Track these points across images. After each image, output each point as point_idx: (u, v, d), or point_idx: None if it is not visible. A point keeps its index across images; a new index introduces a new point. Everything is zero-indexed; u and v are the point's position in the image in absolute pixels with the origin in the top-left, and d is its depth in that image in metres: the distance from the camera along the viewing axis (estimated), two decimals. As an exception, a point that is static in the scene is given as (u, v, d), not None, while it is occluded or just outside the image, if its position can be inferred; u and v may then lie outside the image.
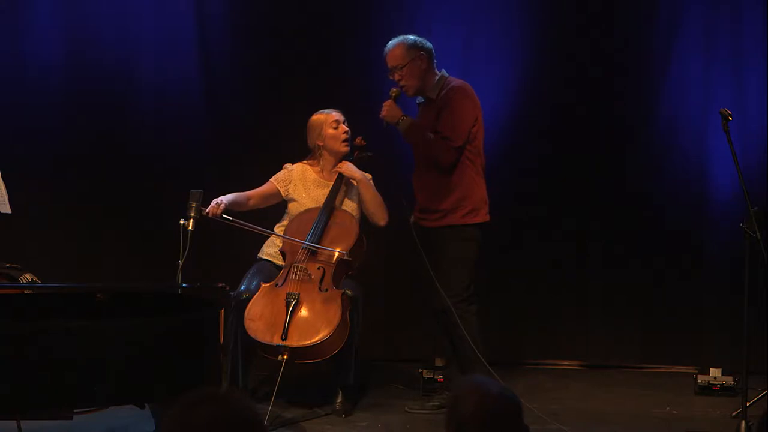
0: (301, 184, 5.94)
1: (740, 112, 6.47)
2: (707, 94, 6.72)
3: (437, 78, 5.71)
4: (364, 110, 6.18)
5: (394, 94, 5.71)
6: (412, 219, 5.80)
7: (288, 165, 6.01)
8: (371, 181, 5.93)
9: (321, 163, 5.97)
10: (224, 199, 5.66)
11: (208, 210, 5.55)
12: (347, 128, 5.94)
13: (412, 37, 5.72)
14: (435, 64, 5.72)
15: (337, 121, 5.93)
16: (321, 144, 5.94)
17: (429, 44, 5.72)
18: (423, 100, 5.79)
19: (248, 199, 5.87)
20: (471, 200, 5.67)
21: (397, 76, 5.69)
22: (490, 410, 2.58)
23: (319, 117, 5.96)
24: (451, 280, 5.61)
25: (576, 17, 6.85)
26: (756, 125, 6.65)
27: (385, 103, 5.70)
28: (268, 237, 5.93)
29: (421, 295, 6.03)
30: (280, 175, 5.98)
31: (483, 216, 5.71)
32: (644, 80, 6.86)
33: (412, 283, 6.34)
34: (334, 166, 5.93)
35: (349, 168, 5.88)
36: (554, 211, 6.90)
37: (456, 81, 5.73)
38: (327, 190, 5.89)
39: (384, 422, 5.57)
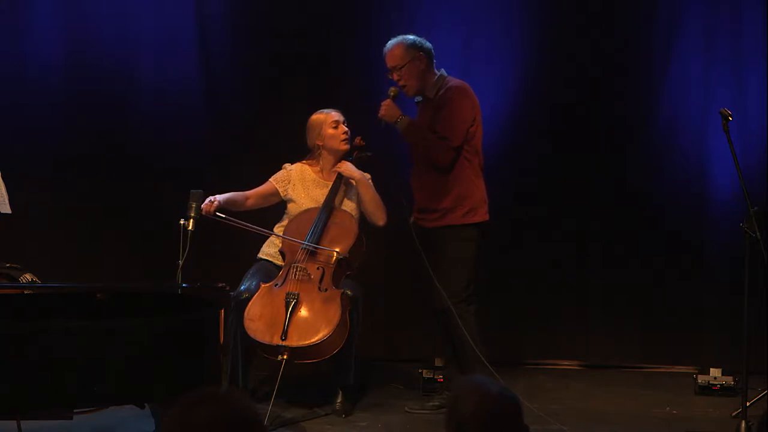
0: (300, 184, 5.94)
1: (740, 112, 6.47)
2: (707, 94, 6.72)
3: (436, 78, 5.71)
4: (364, 110, 6.18)
5: (392, 94, 5.71)
6: (411, 219, 5.80)
7: (287, 165, 6.01)
8: (370, 181, 5.93)
9: (320, 163, 5.97)
10: (219, 197, 5.66)
11: (201, 207, 5.55)
12: (347, 128, 5.94)
13: (411, 37, 5.72)
14: (434, 64, 5.72)
15: (337, 122, 5.93)
16: (320, 144, 5.94)
17: (428, 44, 5.72)
18: (421, 99, 5.79)
19: (246, 198, 5.87)
20: (470, 199, 5.67)
21: (396, 76, 5.69)
22: (490, 410, 2.58)
23: (318, 117, 5.96)
24: (450, 280, 5.61)
25: (576, 17, 6.85)
26: (756, 125, 6.65)
27: (383, 103, 5.70)
28: (267, 237, 5.93)
29: (421, 295, 6.03)
30: (279, 175, 5.98)
31: (482, 215, 5.71)
32: (644, 80, 6.86)
33: (412, 283, 6.34)
34: (334, 165, 5.93)
35: (348, 168, 5.88)
36: (554, 211, 6.90)
37: (454, 81, 5.73)
38: (326, 190, 5.88)
39: (384, 422, 5.57)
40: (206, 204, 5.58)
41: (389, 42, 5.72)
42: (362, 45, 6.83)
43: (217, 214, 5.60)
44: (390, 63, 5.70)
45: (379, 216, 5.86)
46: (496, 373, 5.23)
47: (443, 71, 5.74)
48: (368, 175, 5.95)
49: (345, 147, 5.93)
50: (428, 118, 5.67)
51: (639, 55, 6.86)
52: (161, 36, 6.93)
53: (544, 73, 6.89)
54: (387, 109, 5.68)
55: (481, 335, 5.62)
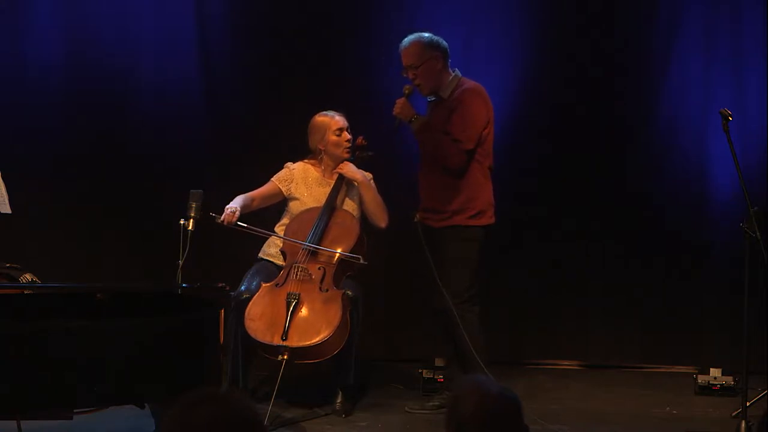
0: (303, 183, 5.94)
1: (740, 112, 6.46)
2: (707, 94, 6.72)
3: (451, 77, 5.67)
4: (364, 110, 6.18)
5: (407, 92, 5.67)
6: (416, 217, 5.77)
7: (289, 164, 6.00)
8: (372, 181, 5.92)
9: (322, 164, 5.96)
10: (237, 205, 5.63)
11: (222, 218, 5.55)
12: (350, 135, 5.92)
13: (428, 35, 5.68)
14: (449, 63, 5.70)
15: (341, 129, 5.89)
16: (322, 148, 5.92)
17: (444, 43, 5.68)
18: (434, 98, 5.75)
19: (252, 200, 5.85)
20: (478, 202, 5.64)
21: (411, 75, 5.64)
22: (490, 410, 2.59)
23: (323, 120, 5.92)
24: (452, 280, 5.60)
25: (576, 17, 6.85)
26: (756, 125, 6.65)
27: (398, 101, 5.66)
28: (268, 237, 5.93)
29: (421, 295, 6.03)
30: (281, 174, 5.97)
31: (488, 218, 5.69)
32: (644, 80, 6.86)
33: (412, 283, 6.34)
34: (335, 168, 5.93)
35: (350, 169, 5.87)
36: (554, 211, 6.90)
37: (469, 83, 5.68)
38: (329, 189, 5.88)
39: (384, 422, 5.57)
40: (228, 215, 5.57)
41: (406, 39, 5.68)
42: (362, 45, 6.84)
43: (239, 223, 5.60)
44: (406, 61, 5.65)
45: (380, 217, 5.85)
46: (493, 375, 5.22)
47: (457, 71, 5.71)
48: (370, 175, 5.95)
49: (347, 155, 5.91)
50: (441, 118, 5.63)
51: (639, 55, 6.86)
52: (161, 36, 6.92)
53: (544, 73, 6.89)
54: (402, 107, 5.65)
55: (483, 335, 5.61)
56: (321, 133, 5.91)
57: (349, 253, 5.70)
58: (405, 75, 5.67)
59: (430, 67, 5.62)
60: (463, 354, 5.58)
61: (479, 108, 5.62)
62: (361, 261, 5.64)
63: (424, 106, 5.84)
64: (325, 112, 5.95)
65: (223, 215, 5.57)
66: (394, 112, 5.65)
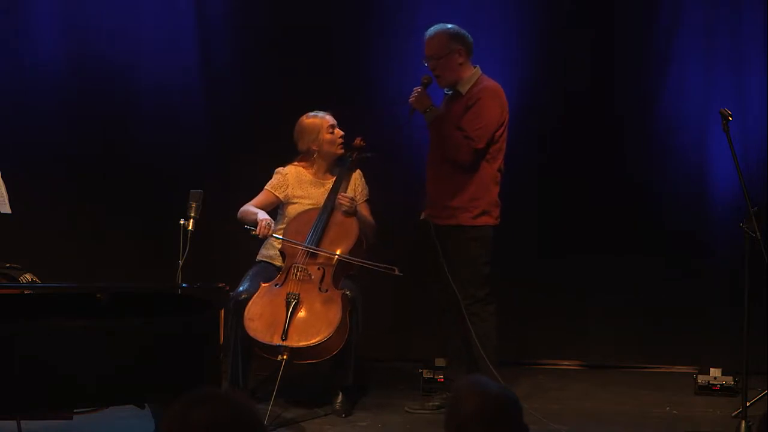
0: (298, 185, 5.93)
1: (740, 112, 6.46)
2: (707, 94, 6.72)
3: (471, 73, 5.65)
4: (362, 110, 6.16)
5: (425, 82, 5.65)
6: (423, 215, 5.76)
7: (280, 169, 5.98)
8: (361, 205, 5.90)
9: (314, 166, 5.96)
10: (269, 217, 5.69)
11: (258, 231, 5.62)
12: (341, 131, 5.93)
13: (453, 26, 5.66)
14: (471, 58, 5.68)
15: (332, 126, 5.91)
16: (316, 148, 5.92)
17: (470, 38, 5.67)
18: (451, 91, 5.73)
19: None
20: (482, 201, 5.63)
21: (431, 65, 5.63)
22: (490, 410, 2.58)
23: (314, 121, 5.92)
24: (463, 281, 5.59)
25: (576, 17, 6.84)
26: (756, 125, 6.65)
27: (415, 89, 5.64)
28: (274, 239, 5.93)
29: (422, 295, 6.02)
30: (275, 182, 5.94)
31: (493, 219, 5.67)
32: (644, 80, 6.85)
33: (414, 282, 6.34)
34: (327, 167, 5.94)
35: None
36: (554, 210, 6.89)
37: (489, 81, 5.67)
38: (323, 189, 5.88)
39: (384, 422, 5.58)
40: (263, 227, 5.63)
41: (431, 29, 5.67)
42: (362, 45, 6.83)
43: (274, 235, 5.64)
44: (428, 51, 5.62)
45: (368, 236, 5.85)
46: (499, 376, 5.23)
47: (479, 68, 5.70)
48: (359, 171, 5.94)
49: (341, 151, 5.92)
50: (456, 113, 5.61)
51: (639, 55, 6.85)
52: (161, 35, 6.92)
53: (544, 73, 6.88)
54: (418, 97, 5.63)
55: (496, 333, 5.60)
56: (314, 133, 5.91)
57: (348, 254, 5.70)
58: (425, 64, 5.66)
59: (451, 60, 5.60)
60: (473, 353, 5.57)
61: (495, 108, 5.61)
62: (396, 272, 5.62)
63: (440, 97, 5.82)
64: (312, 113, 5.94)
65: (259, 228, 5.62)
66: (409, 100, 5.64)
